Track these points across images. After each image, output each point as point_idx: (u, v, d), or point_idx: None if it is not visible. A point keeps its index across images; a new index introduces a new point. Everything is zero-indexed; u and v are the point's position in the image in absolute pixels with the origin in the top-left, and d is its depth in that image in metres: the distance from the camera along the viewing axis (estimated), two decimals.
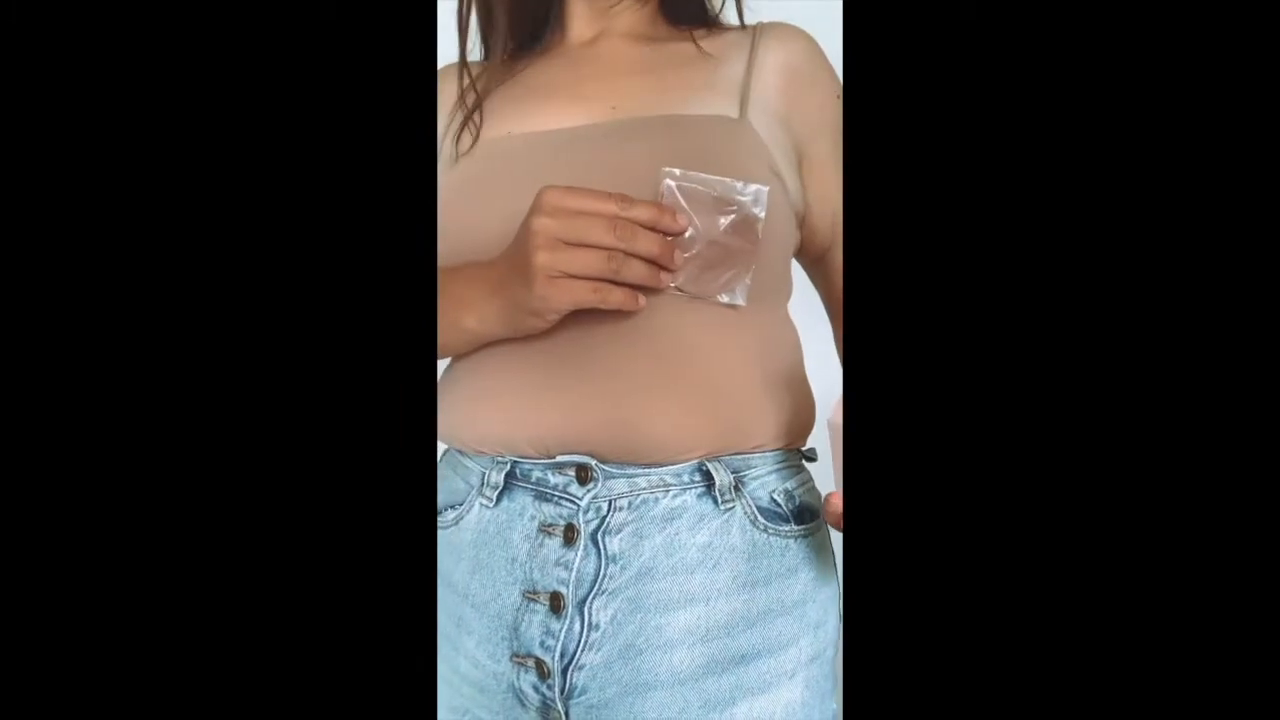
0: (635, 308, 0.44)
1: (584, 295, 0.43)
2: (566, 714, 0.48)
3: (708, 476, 0.48)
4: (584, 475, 0.47)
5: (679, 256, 0.45)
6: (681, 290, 0.48)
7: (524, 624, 0.48)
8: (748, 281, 0.49)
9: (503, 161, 0.52)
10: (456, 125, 0.55)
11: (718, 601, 0.48)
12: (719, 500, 0.48)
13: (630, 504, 0.48)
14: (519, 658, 0.48)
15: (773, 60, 0.55)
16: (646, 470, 0.48)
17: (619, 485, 0.48)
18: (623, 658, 0.47)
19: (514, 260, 0.45)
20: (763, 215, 0.48)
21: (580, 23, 0.59)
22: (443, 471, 0.55)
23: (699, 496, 0.48)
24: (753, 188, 0.47)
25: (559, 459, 0.48)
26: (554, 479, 0.48)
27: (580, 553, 0.47)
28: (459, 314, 0.48)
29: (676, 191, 0.47)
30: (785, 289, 0.56)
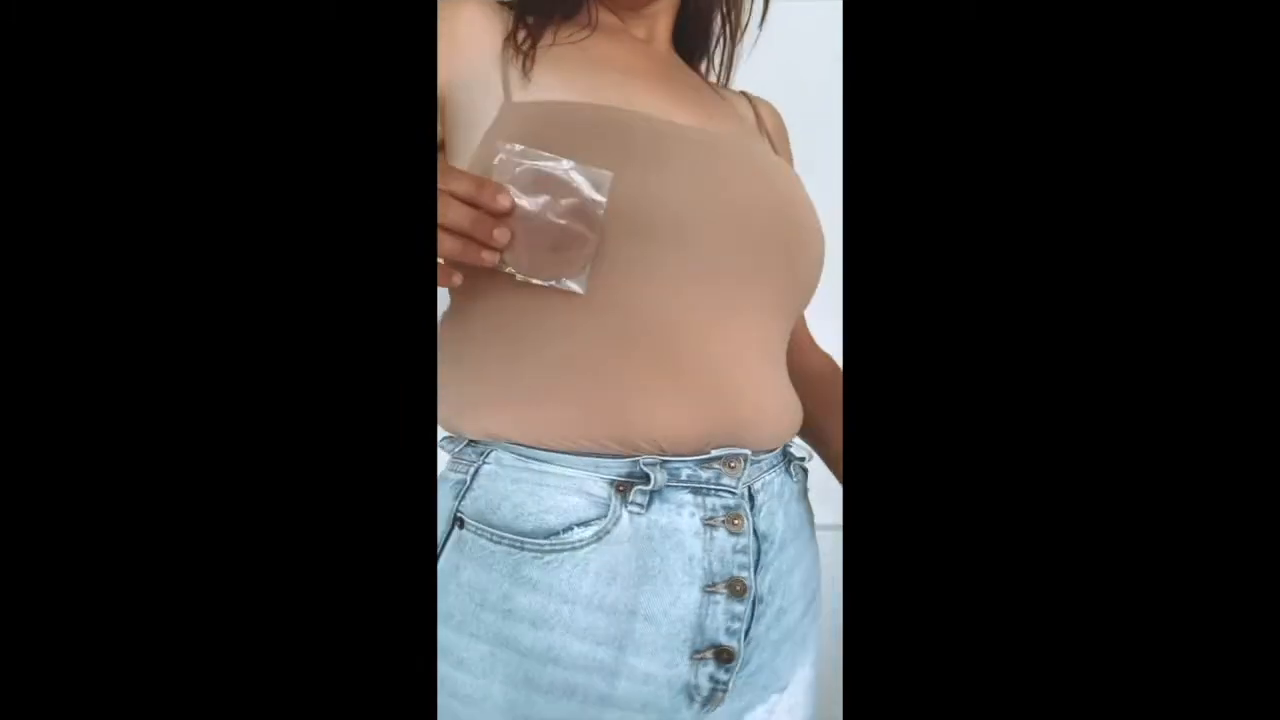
0: (446, 284, 0.43)
1: None
2: (728, 691, 0.49)
3: (785, 456, 0.57)
4: (734, 466, 0.49)
5: (501, 234, 0.43)
6: (513, 272, 0.46)
7: (708, 618, 0.48)
8: (588, 269, 0.46)
9: (647, 141, 0.51)
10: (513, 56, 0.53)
11: (806, 556, 0.57)
12: (793, 475, 0.57)
13: (762, 486, 0.53)
14: (699, 654, 0.48)
15: (768, 124, 0.68)
16: (765, 455, 0.53)
17: (754, 471, 0.52)
18: (775, 621, 0.52)
19: None
20: (604, 200, 0.45)
21: (612, 22, 0.61)
22: (526, 489, 0.48)
23: (784, 472, 0.56)
24: (594, 171, 0.45)
25: (714, 453, 0.48)
26: (704, 473, 0.49)
27: (750, 536, 0.49)
28: None
29: (512, 168, 0.45)
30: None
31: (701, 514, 0.49)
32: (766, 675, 0.53)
